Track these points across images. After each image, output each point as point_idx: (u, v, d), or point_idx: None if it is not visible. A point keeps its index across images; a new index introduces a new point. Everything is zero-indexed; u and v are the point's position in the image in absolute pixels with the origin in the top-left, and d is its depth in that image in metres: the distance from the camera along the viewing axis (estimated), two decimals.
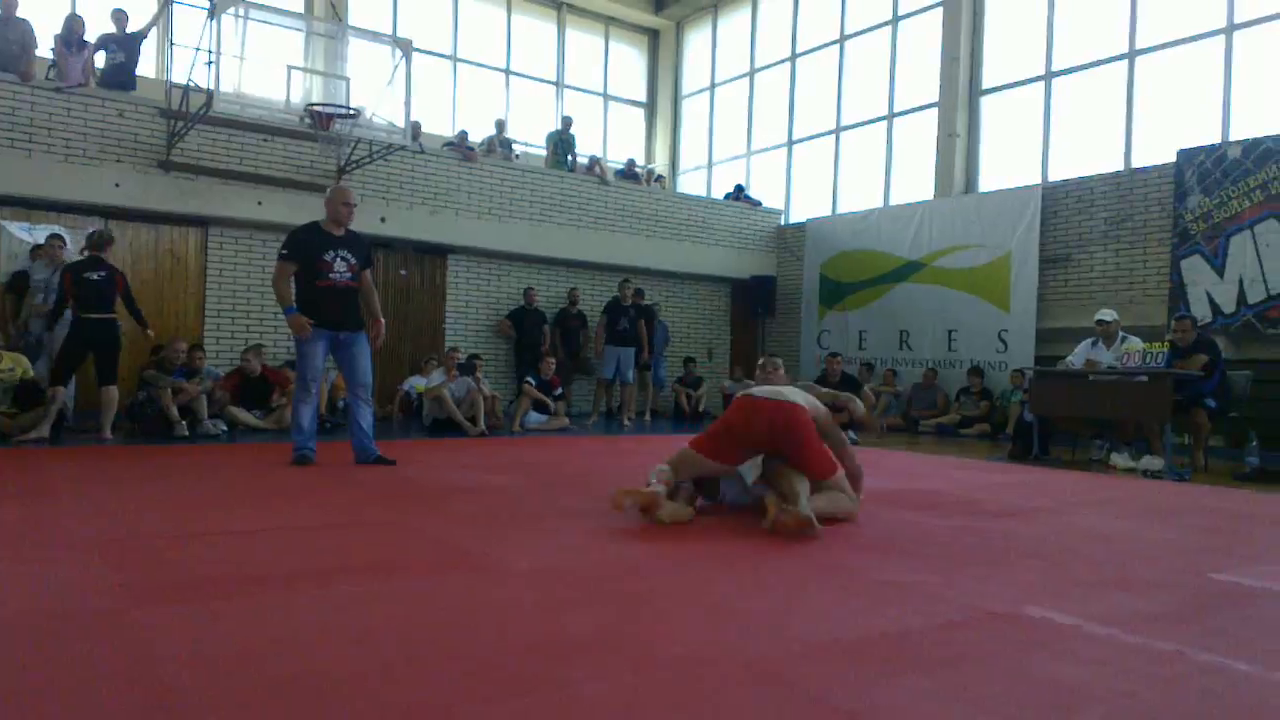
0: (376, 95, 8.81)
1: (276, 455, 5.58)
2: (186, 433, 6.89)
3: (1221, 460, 6.74)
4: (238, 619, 2.14)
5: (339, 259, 5.18)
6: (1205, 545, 3.56)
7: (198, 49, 7.47)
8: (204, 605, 2.25)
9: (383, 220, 9.61)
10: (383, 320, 5.43)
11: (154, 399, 7.02)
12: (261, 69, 9.26)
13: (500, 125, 12.14)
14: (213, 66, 7.43)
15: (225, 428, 7.40)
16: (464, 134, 11.36)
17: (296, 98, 9.03)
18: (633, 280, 10.55)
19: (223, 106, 7.76)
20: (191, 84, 7.63)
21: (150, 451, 5.91)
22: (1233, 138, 8.73)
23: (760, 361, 4.83)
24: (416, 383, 9.19)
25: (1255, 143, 8.32)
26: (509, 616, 2.25)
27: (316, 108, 8.57)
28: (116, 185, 8.25)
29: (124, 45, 8.83)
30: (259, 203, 8.97)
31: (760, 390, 3.90)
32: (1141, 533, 3.81)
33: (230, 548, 2.96)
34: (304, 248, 5.15)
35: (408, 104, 8.61)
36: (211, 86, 7.46)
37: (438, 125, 12.52)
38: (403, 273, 10.23)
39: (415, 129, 9.95)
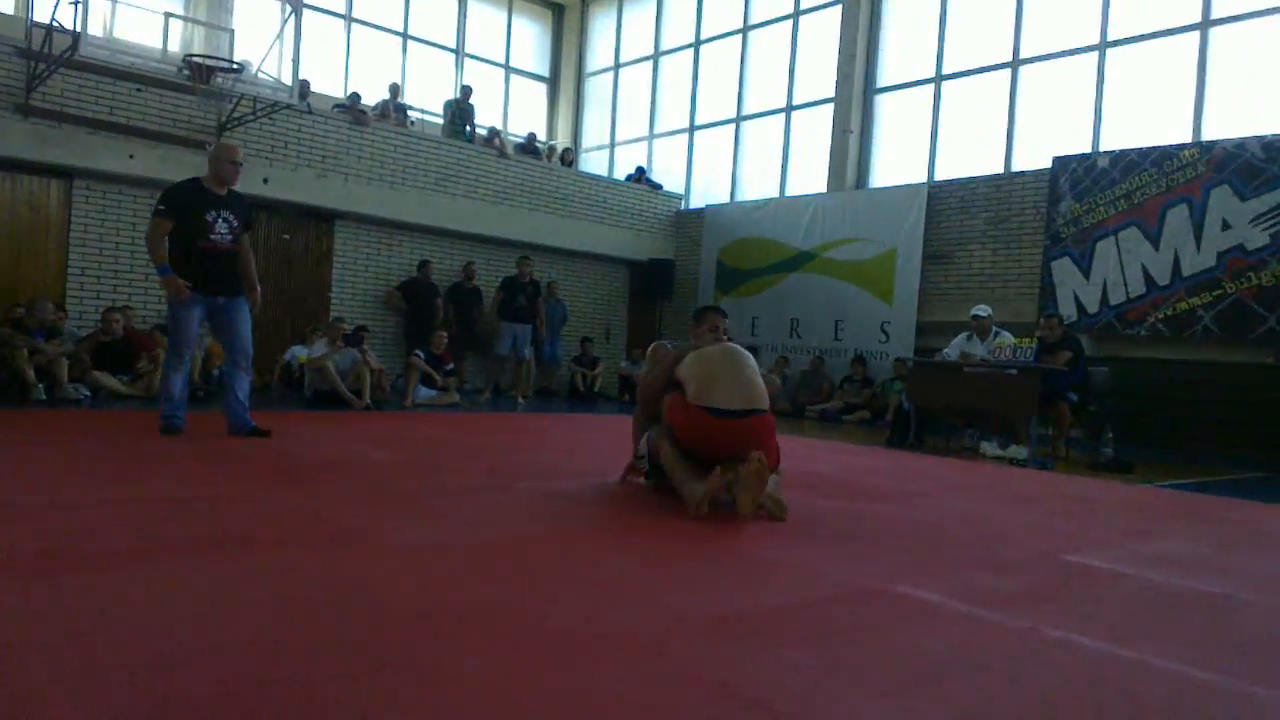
0: (263, 50, 8.39)
1: (141, 423, 5.28)
2: (44, 396, 6.43)
3: (1081, 451, 7.19)
4: (88, 593, 2.00)
5: (220, 219, 4.87)
6: (1061, 529, 3.78)
7: None
8: (52, 579, 2.10)
9: (265, 181, 9.18)
10: (259, 289, 5.17)
11: (6, 360, 6.52)
12: (137, 14, 8.69)
13: (395, 90, 11.75)
14: (79, 6, 6.91)
15: (88, 393, 6.95)
16: (356, 96, 10.96)
17: (174, 47, 8.52)
18: (531, 257, 10.44)
19: (90, 51, 7.25)
20: (55, 24, 7.08)
21: (3, 417, 5.48)
22: (1103, 148, 9.27)
23: (716, 319, 4.12)
24: (299, 352, 8.84)
25: (1122, 154, 8.86)
26: (386, 592, 2.18)
27: (196, 59, 8.11)
28: None
29: None
30: (130, 156, 8.43)
31: (734, 398, 3.50)
32: (1004, 517, 4.02)
33: (87, 519, 2.77)
34: (184, 205, 4.82)
35: (296, 61, 8.22)
36: (78, 28, 6.94)
37: (329, 86, 12.03)
38: (286, 237, 9.82)
39: (304, 88, 9.55)
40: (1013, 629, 2.21)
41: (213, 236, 4.84)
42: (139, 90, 8.48)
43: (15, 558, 2.27)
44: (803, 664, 1.84)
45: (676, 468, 3.55)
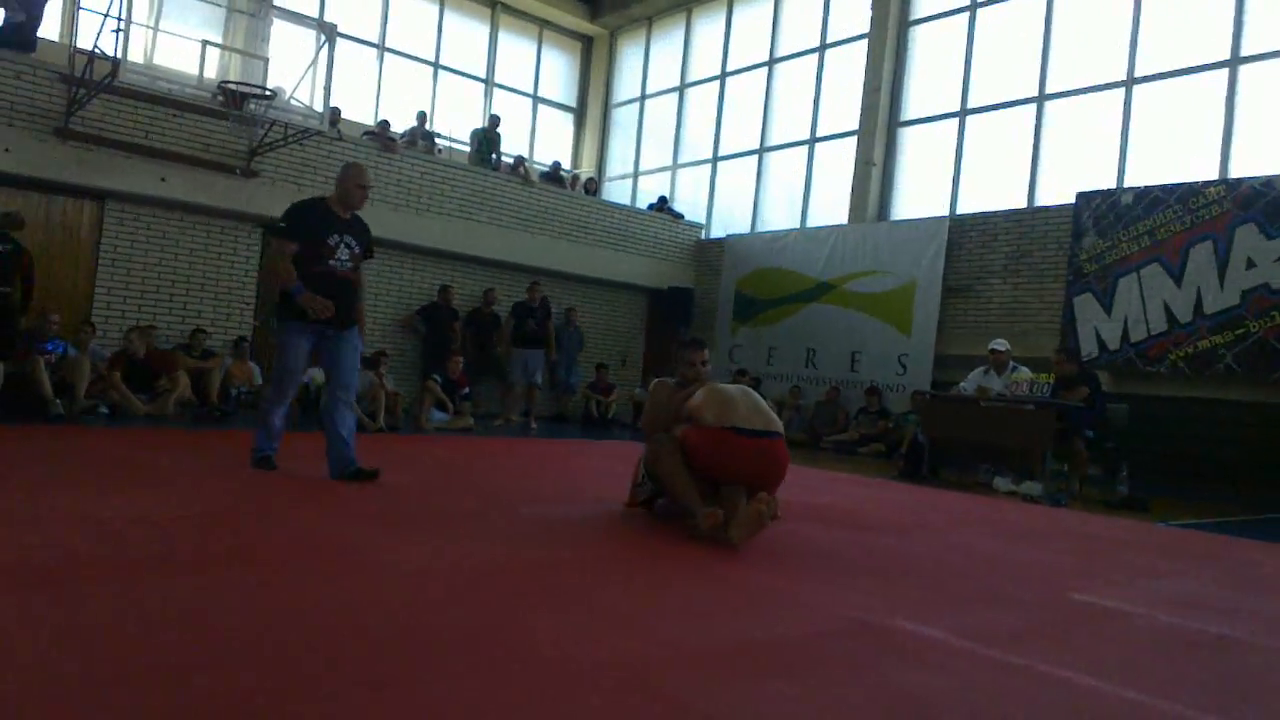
0: (296, 77, 8.58)
1: (155, 441, 5.36)
2: (62, 412, 6.55)
3: (1096, 488, 7.10)
4: (70, 605, 2.04)
5: (343, 244, 4.51)
6: (1070, 567, 3.74)
7: (106, 14, 7.14)
8: (46, 593, 2.14)
9: None
10: (366, 320, 4.85)
11: (28, 375, 6.64)
12: (175, 41, 8.92)
13: (423, 117, 11.95)
14: (121, 34, 7.12)
15: (107, 410, 7.07)
16: (385, 123, 11.16)
17: (211, 74, 8.73)
18: (542, 282, 10.55)
19: (130, 77, 7.44)
20: (98, 50, 7.29)
21: (26, 432, 5.59)
22: (1127, 184, 9.23)
23: (693, 355, 4.06)
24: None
25: (1145, 191, 8.82)
26: (381, 613, 2.21)
27: (231, 86, 8.30)
28: (6, 150, 7.81)
29: (25, 4, 8.38)
30: (162, 179, 8.62)
31: (755, 421, 3.56)
32: (1013, 553, 3.98)
33: (86, 533, 2.82)
34: (307, 226, 4.47)
35: (328, 88, 8.40)
36: (119, 55, 7.15)
37: (359, 113, 12.26)
38: None
39: (334, 115, 9.73)
40: (1011, 666, 2.19)
41: (332, 262, 4.47)
42: (174, 115, 8.68)
43: (18, 569, 2.32)
44: (792, 697, 1.84)
45: (678, 479, 3.57)
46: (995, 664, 2.20)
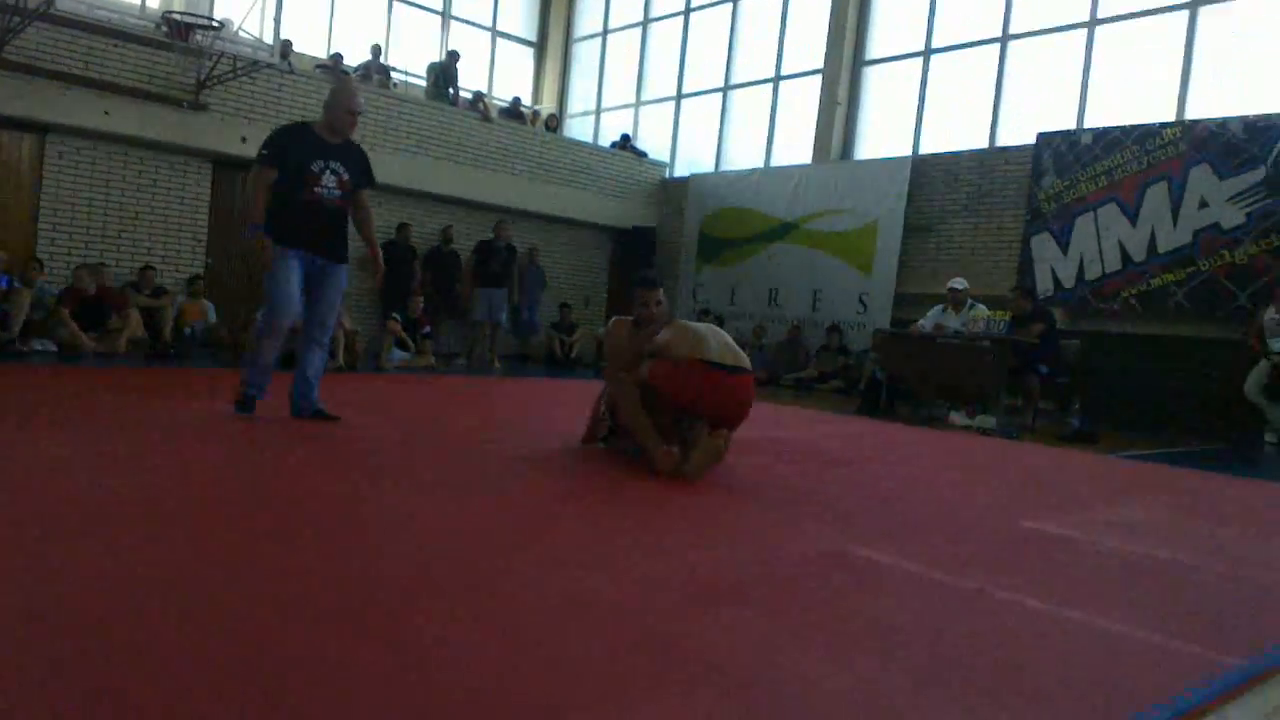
0: (244, 8, 8.25)
1: (107, 379, 5.25)
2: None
3: (1049, 421, 7.28)
4: (51, 562, 2.02)
5: (329, 171, 4.24)
6: (1021, 497, 3.85)
7: None
8: (16, 548, 2.11)
9: (244, 140, 9.05)
10: (380, 250, 4.61)
11: None
12: None
13: (377, 51, 11.58)
14: None
15: (55, 347, 6.91)
16: (338, 56, 10.82)
17: (154, 3, 8.36)
18: (509, 220, 10.40)
19: (67, 4, 7.11)
20: None
21: None
22: (1087, 125, 9.28)
23: (645, 295, 4.01)
24: None
25: (1105, 131, 8.88)
26: (354, 560, 2.20)
27: (175, 15, 7.97)
28: None
29: None
30: (106, 112, 8.29)
31: (726, 357, 3.57)
32: (967, 484, 4.09)
33: (46, 484, 2.77)
34: (288, 151, 4.19)
35: (277, 20, 8.11)
36: None
37: (310, 46, 11.84)
38: None
39: (285, 48, 9.41)
40: (962, 590, 2.26)
41: (318, 189, 4.21)
42: (116, 45, 8.32)
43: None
44: (757, 626, 1.88)
45: (638, 420, 3.61)
46: (950, 589, 2.27)
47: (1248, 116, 8.05)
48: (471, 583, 2.00)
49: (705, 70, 13.18)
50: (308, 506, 2.63)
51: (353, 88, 4.44)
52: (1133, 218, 8.65)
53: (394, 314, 8.66)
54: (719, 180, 12.40)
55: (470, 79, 12.72)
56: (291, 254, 4.17)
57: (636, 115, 14.15)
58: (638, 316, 4.00)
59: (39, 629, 1.52)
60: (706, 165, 13.01)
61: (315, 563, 2.04)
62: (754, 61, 12.59)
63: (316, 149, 4.23)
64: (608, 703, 1.45)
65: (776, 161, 12.14)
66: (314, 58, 11.31)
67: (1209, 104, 8.64)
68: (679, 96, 13.53)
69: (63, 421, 3.80)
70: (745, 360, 3.66)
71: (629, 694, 1.49)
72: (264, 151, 4.19)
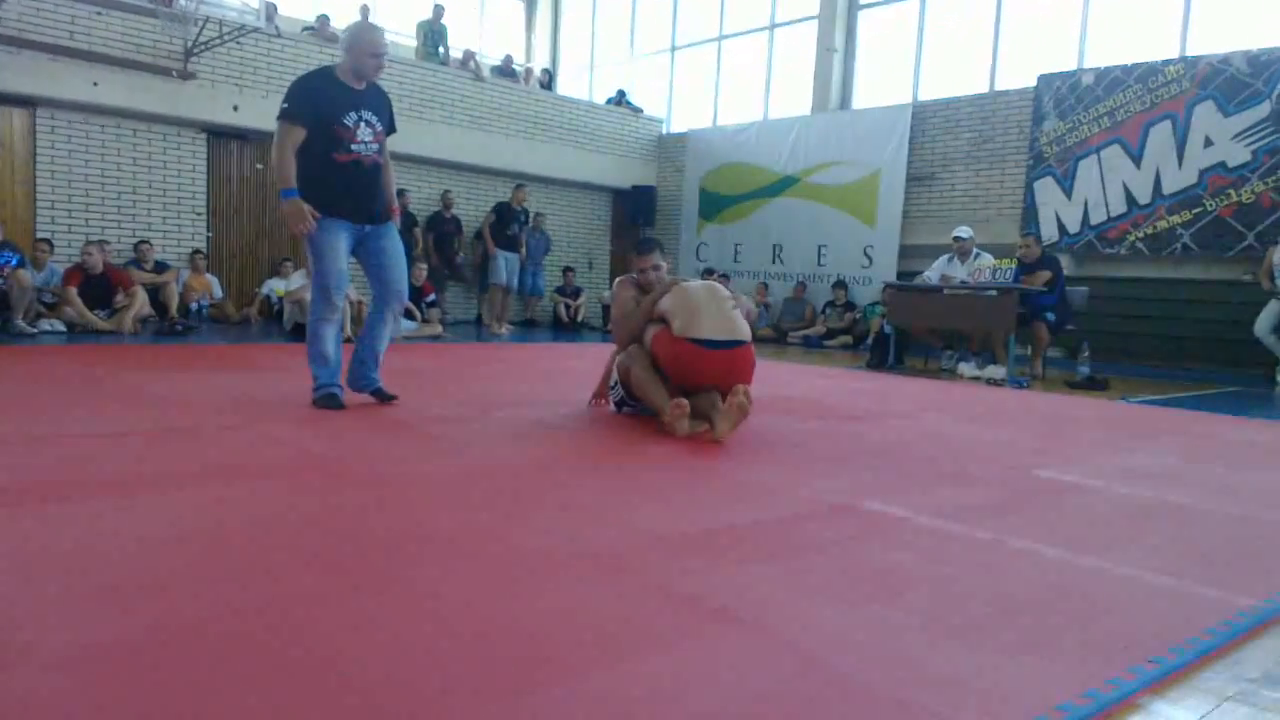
0: None
1: (115, 358, 5.25)
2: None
3: (1058, 369, 7.27)
4: (67, 525, 2.02)
5: (363, 123, 3.75)
6: (1033, 446, 3.85)
7: None
8: (28, 511, 2.11)
9: (235, 109, 8.97)
10: (399, 209, 4.17)
11: None
12: None
13: (365, 10, 11.37)
14: None
15: (64, 327, 6.90)
16: (325, 18, 10.63)
17: None
18: (525, 185, 10.35)
19: None
20: None
21: None
22: (1087, 65, 9.14)
23: (642, 261, 3.99)
24: (276, 285, 8.79)
25: (1106, 71, 8.75)
26: (363, 518, 2.21)
27: None
28: None
29: None
30: (94, 84, 8.18)
31: (718, 330, 3.58)
32: (977, 435, 4.08)
33: (69, 452, 2.78)
34: (318, 104, 3.67)
35: None
36: None
37: (296, 8, 11.64)
38: (259, 166, 9.64)
39: (270, 10, 9.27)
40: (976, 540, 2.27)
41: (354, 146, 3.73)
42: (100, 13, 8.19)
43: (10, 487, 2.28)
44: (768, 577, 1.89)
45: (649, 385, 3.66)
46: (963, 539, 2.28)
47: (1250, 50, 7.92)
48: (477, 536, 2.01)
49: (698, 21, 12.97)
50: (318, 467, 2.63)
51: (373, 26, 3.95)
52: (1137, 159, 8.55)
53: None
54: (717, 135, 12.27)
55: (459, 38, 12.50)
56: (336, 223, 3.73)
57: (631, 70, 13.94)
58: (638, 281, 4.02)
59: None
60: (703, 120, 12.85)
61: (324, 520, 2.05)
62: (747, 9, 12.37)
63: (346, 99, 3.74)
64: (623, 650, 1.46)
65: (774, 114, 11.99)
66: (300, 20, 11.12)
67: (1212, 39, 8.49)
68: (673, 48, 13.32)
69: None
70: (740, 329, 3.65)
71: (641, 643, 1.50)
72: (286, 106, 3.65)
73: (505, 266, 9.76)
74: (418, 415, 3.84)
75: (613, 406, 4.12)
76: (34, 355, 5.51)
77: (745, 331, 3.68)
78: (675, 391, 3.61)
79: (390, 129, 3.97)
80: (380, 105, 3.89)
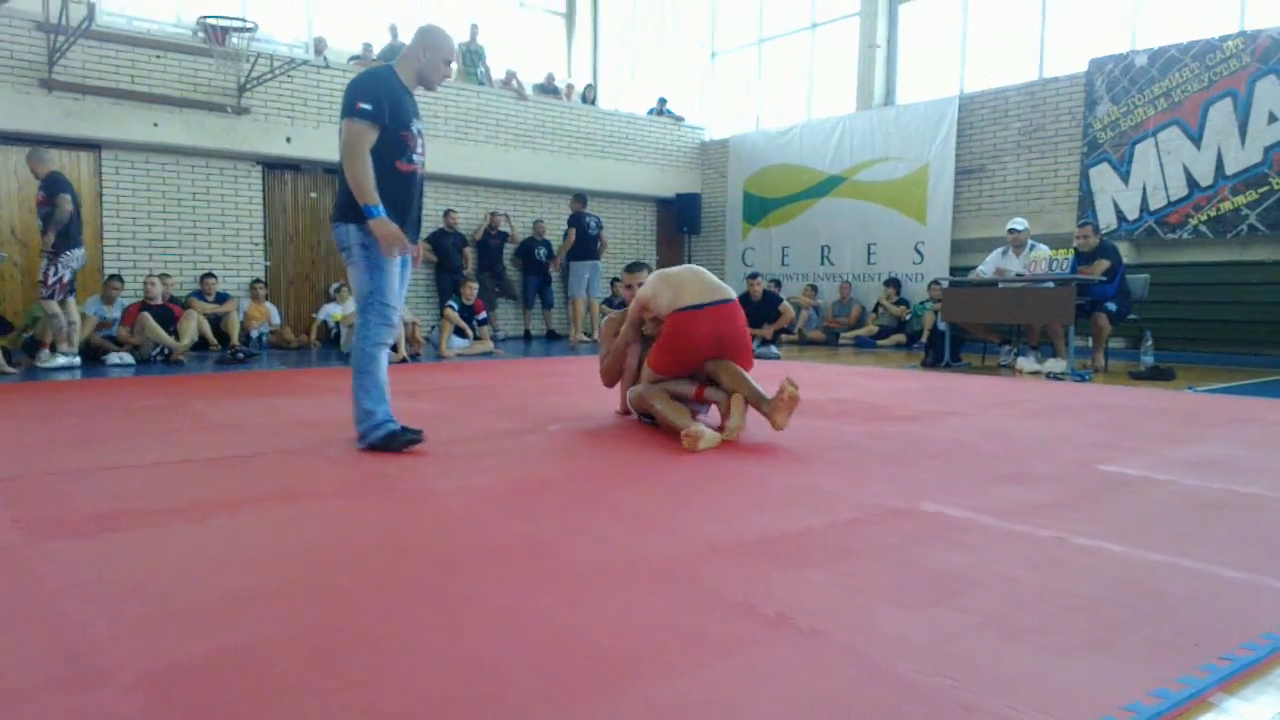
0: (275, 8, 8.35)
1: (181, 388, 5.43)
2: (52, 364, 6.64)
3: (1120, 360, 7.08)
4: (141, 550, 2.11)
5: (421, 133, 3.45)
6: (1097, 440, 3.75)
7: None
8: (105, 538, 2.21)
9: (288, 140, 9.23)
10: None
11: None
12: None
13: (395, 32, 11.57)
14: None
15: (132, 360, 7.18)
16: (368, 46, 10.88)
17: (187, 12, 8.50)
18: (585, 195, 10.61)
19: (106, 20, 7.29)
20: None
21: (43, 387, 5.68)
22: (1140, 46, 8.90)
23: (629, 279, 4.39)
24: (333, 310, 9.00)
25: (1161, 51, 8.51)
26: (425, 534, 2.26)
27: (210, 20, 8.09)
28: None
29: None
30: (155, 124, 8.50)
31: (703, 295, 3.72)
32: (1038, 431, 4.00)
33: (132, 481, 2.89)
34: (396, 108, 3.31)
35: (310, 17, 8.19)
36: None
37: (344, 40, 11.92)
38: (313, 195, 9.89)
39: (319, 44, 9.52)
40: (1039, 539, 2.22)
41: (416, 158, 3.40)
42: (158, 57, 8.51)
43: (68, 517, 2.38)
44: (825, 582, 1.88)
45: (665, 413, 3.72)
46: (1024, 538, 2.24)
47: None
48: (533, 549, 2.04)
49: (737, 26, 12.96)
50: (379, 486, 2.70)
51: (447, 32, 3.51)
52: (1197, 140, 8.30)
53: (449, 303, 8.78)
54: (760, 139, 12.23)
55: (498, 56, 12.65)
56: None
57: (670, 79, 13.97)
58: (626, 299, 4.24)
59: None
60: (745, 126, 12.83)
61: (388, 538, 2.10)
62: (787, 11, 12.32)
63: (411, 104, 3.42)
64: (683, 659, 1.47)
65: (817, 114, 11.91)
66: (348, 51, 11.39)
67: (1271, 11, 8.20)
68: (713, 54, 13.33)
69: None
70: (725, 290, 3.82)
71: (700, 651, 1.51)
72: (366, 106, 3.20)
73: (579, 275, 10.22)
74: (471, 432, 3.90)
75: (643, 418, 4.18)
76: (104, 388, 5.73)
77: (730, 292, 3.83)
78: (702, 378, 3.75)
79: None
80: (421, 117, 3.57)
